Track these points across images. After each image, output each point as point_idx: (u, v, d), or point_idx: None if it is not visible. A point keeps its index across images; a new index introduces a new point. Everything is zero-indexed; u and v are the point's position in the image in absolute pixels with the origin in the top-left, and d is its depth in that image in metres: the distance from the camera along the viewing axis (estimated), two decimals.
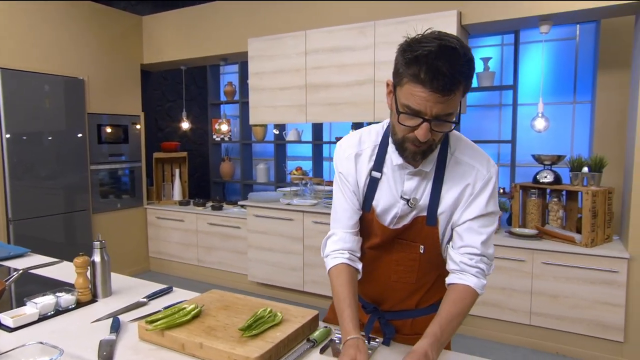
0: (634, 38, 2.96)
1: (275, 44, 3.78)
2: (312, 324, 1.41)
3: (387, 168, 1.22)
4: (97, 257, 1.70)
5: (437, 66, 0.94)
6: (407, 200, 1.19)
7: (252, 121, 4.05)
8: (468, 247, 1.17)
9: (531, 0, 2.92)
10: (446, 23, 3.08)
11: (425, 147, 1.09)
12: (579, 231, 3.04)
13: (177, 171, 4.88)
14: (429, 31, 1.04)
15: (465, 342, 3.17)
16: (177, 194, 4.85)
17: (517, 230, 3.17)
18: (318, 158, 5.10)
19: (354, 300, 1.18)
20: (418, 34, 1.04)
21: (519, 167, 4.19)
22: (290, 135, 5.04)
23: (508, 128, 4.18)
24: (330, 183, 4.45)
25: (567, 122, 4.20)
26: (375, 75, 3.36)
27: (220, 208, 4.40)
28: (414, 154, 1.11)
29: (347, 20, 3.50)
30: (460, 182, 1.17)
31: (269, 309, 1.40)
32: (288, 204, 3.80)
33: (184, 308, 1.42)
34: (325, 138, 5.16)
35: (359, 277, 1.29)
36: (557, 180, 3.13)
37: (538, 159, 3.25)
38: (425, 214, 1.20)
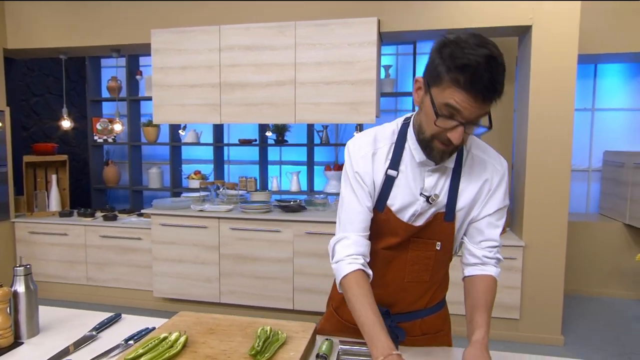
0: (519, 55, 3.42)
1: (185, 38, 3.48)
2: (312, 338, 1.32)
3: (404, 166, 1.21)
4: (20, 287, 1.36)
5: (482, 77, 0.97)
6: (427, 197, 1.19)
7: (156, 120, 3.67)
8: (489, 241, 1.22)
9: (459, 12, 3.19)
10: (366, 29, 3.18)
11: (454, 147, 1.11)
12: None
13: (54, 177, 4.18)
14: (464, 33, 1.04)
15: None
16: (54, 203, 4.15)
17: None
18: (219, 161, 4.85)
19: (378, 311, 1.14)
20: (457, 35, 1.04)
21: None
22: (188, 137, 4.70)
23: None
24: (232, 185, 4.26)
25: None
26: (297, 77, 3.31)
27: (114, 218, 3.89)
28: (442, 153, 1.12)
29: (266, 19, 3.39)
30: (479, 178, 1.21)
31: (268, 328, 1.27)
32: (201, 211, 3.52)
33: (166, 338, 1.21)
34: (227, 140, 4.93)
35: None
36: None
37: None
38: (444, 210, 1.21)
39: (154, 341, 1.19)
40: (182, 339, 1.21)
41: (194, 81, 3.49)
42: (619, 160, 4.12)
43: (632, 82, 4.44)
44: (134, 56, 4.82)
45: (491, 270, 1.23)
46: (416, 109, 1.21)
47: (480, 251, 1.22)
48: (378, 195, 1.23)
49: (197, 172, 4.73)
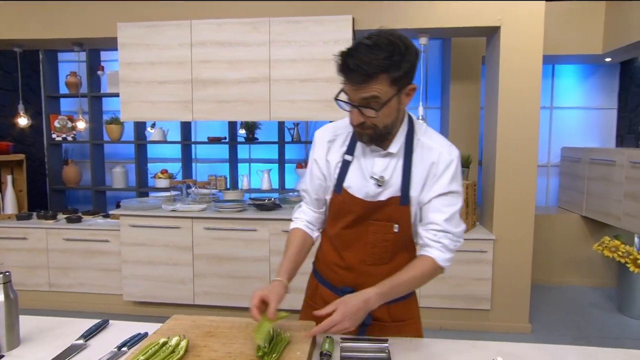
0: (487, 55, 3.54)
1: (153, 32, 3.36)
2: (315, 337, 1.31)
3: (358, 152, 1.34)
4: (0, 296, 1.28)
5: (347, 63, 1.13)
6: (376, 180, 1.29)
7: (124, 118, 3.52)
8: (432, 224, 1.29)
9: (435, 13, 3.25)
10: (341, 27, 3.19)
11: (369, 130, 1.22)
12: None
13: (9, 178, 3.94)
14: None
15: None
16: (10, 206, 3.91)
17: None
18: (187, 159, 4.73)
19: (296, 255, 1.38)
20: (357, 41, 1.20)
21: None
22: (155, 135, 4.56)
23: None
24: (204, 184, 4.17)
25: None
26: (271, 74, 3.28)
27: (78, 220, 3.71)
28: (361, 136, 1.26)
29: (239, 14, 3.33)
30: (426, 163, 1.29)
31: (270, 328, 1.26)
32: (173, 211, 3.42)
33: (166, 343, 1.17)
34: (195, 138, 4.82)
35: (314, 243, 1.47)
36: None
37: None
38: (399, 194, 1.29)
39: (154, 347, 1.15)
40: (184, 343, 1.17)
41: (164, 77, 3.38)
42: (575, 156, 4.35)
43: (586, 82, 4.70)
44: (95, 50, 4.61)
45: (432, 252, 1.29)
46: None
47: (424, 233, 1.31)
48: (336, 178, 1.35)
49: (164, 171, 4.59)
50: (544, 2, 3.09)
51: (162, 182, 4.47)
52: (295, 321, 1.40)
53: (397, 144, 1.29)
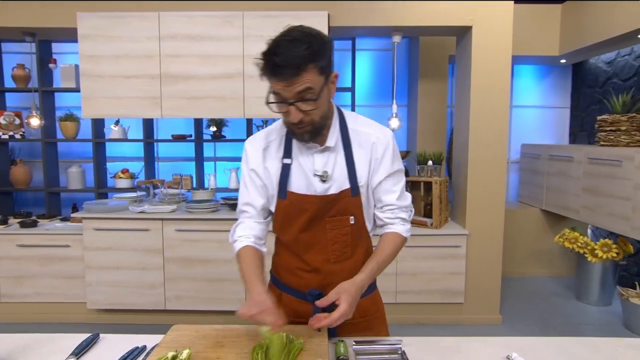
0: (457, 54, 3.62)
1: (118, 24, 3.17)
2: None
3: (295, 153, 1.32)
4: None
5: (272, 62, 1.11)
6: (320, 176, 1.29)
7: (85, 114, 3.30)
8: (387, 205, 1.36)
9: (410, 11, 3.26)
10: (316, 23, 3.13)
11: (309, 126, 1.21)
12: (425, 216, 3.56)
13: None
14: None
15: None
16: None
17: None
18: (150, 158, 4.51)
19: (260, 271, 1.30)
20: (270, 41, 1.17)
21: None
22: (114, 133, 4.31)
23: None
24: (154, 182, 3.98)
25: (385, 123, 4.84)
26: (245, 69, 3.18)
27: (33, 225, 3.45)
28: (302, 135, 1.24)
29: (210, 7, 3.20)
30: (366, 150, 1.32)
31: (282, 335, 1.20)
32: (142, 212, 3.25)
33: (176, 357, 1.09)
34: (157, 135, 4.60)
35: (264, 259, 1.39)
36: (407, 172, 3.59)
37: None
38: (348, 186, 1.30)
39: None
40: (186, 355, 1.10)
41: (131, 72, 3.20)
42: (535, 152, 4.56)
43: (542, 82, 4.94)
44: (46, 42, 4.28)
45: (397, 228, 1.36)
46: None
47: (382, 214, 1.37)
48: (278, 184, 1.33)
49: (124, 171, 4.35)
50: (512, 3, 3.20)
51: (123, 182, 4.24)
52: (301, 325, 1.35)
53: (333, 137, 1.30)
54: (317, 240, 1.34)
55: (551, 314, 3.66)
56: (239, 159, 4.59)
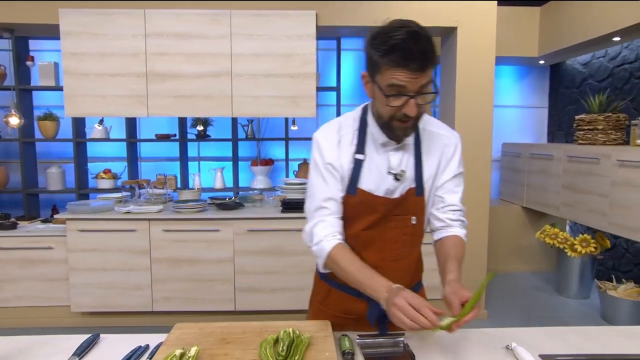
0: (442, 55, 3.69)
1: (102, 21, 3.11)
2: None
3: (369, 149, 1.30)
4: None
5: (411, 50, 1.08)
6: (395, 174, 1.28)
7: (68, 113, 3.23)
8: (450, 206, 1.35)
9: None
10: (305, 22, 3.16)
11: (413, 121, 1.20)
12: None
13: None
14: (388, 21, 1.16)
15: None
16: None
17: None
18: (133, 158, 4.44)
19: (365, 264, 1.24)
20: (380, 26, 1.16)
21: None
22: (95, 132, 4.23)
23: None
24: (140, 182, 3.93)
25: None
26: (233, 68, 3.17)
27: (13, 227, 3.35)
28: (404, 130, 1.22)
29: (198, 5, 3.18)
30: (436, 151, 1.33)
31: (289, 330, 1.21)
32: (128, 213, 3.20)
33: (184, 355, 1.09)
34: (140, 135, 4.53)
35: None
36: None
37: None
38: (414, 185, 1.31)
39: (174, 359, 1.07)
40: (194, 351, 1.10)
41: (116, 70, 3.15)
42: (516, 151, 4.67)
43: (521, 82, 5.07)
44: (22, 38, 4.16)
45: (457, 231, 1.36)
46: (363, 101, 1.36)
47: (444, 215, 1.35)
48: (349, 180, 1.30)
49: (107, 171, 4.27)
50: (496, 4, 3.28)
51: (106, 183, 4.16)
52: (306, 321, 1.36)
53: (411, 135, 1.29)
54: (378, 238, 1.33)
55: (533, 308, 3.76)
56: (223, 159, 4.57)
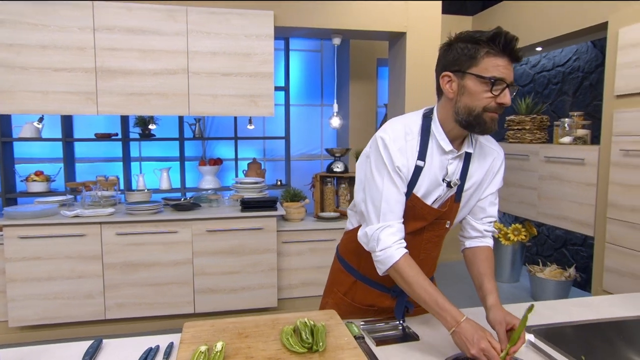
0: (390, 58, 3.88)
1: (43, 11, 2.88)
2: None
3: (429, 156, 1.31)
4: None
5: (511, 39, 1.16)
6: (448, 183, 1.32)
7: (5, 110, 2.95)
8: (490, 217, 1.43)
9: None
10: (263, 22, 3.18)
11: (500, 113, 1.24)
12: None
13: None
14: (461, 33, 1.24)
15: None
16: None
17: (324, 214, 3.64)
18: (70, 159, 4.14)
19: (434, 285, 1.26)
20: (461, 33, 1.23)
21: (275, 161, 4.71)
22: (25, 131, 3.89)
23: (274, 125, 4.60)
24: (86, 184, 3.71)
25: (317, 121, 5.00)
26: (190, 66, 3.10)
27: None
28: (493, 123, 1.23)
29: None
30: (485, 162, 1.39)
31: (305, 320, 1.27)
32: (76, 217, 3.00)
33: (208, 350, 1.10)
34: (79, 134, 4.23)
35: None
36: (346, 169, 3.76)
37: (330, 151, 3.80)
38: (455, 192, 1.35)
39: (201, 357, 1.07)
40: (221, 347, 1.12)
41: (61, 64, 2.94)
42: None
43: None
44: None
45: (489, 241, 1.45)
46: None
47: (482, 225, 1.42)
48: (407, 184, 1.32)
49: (38, 173, 3.95)
50: (441, 12, 3.53)
51: (37, 186, 3.85)
52: (312, 311, 1.41)
53: (468, 143, 1.33)
54: (414, 238, 1.37)
55: (473, 294, 4.09)
56: (169, 159, 4.42)
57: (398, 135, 1.30)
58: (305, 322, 1.24)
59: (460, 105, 1.24)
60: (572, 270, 3.82)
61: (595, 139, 3.52)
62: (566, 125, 3.50)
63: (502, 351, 1.11)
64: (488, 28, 1.21)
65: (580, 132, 3.44)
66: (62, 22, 2.92)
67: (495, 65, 1.16)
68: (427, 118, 1.35)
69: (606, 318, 1.48)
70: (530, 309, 1.16)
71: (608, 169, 2.99)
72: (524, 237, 4.12)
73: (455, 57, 1.21)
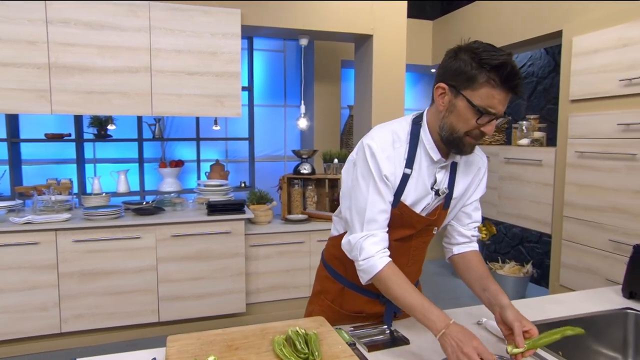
0: (356, 59, 3.90)
1: None
2: None
3: (417, 164, 1.29)
4: None
5: (516, 74, 1.11)
6: (437, 191, 1.32)
7: None
8: (475, 222, 1.44)
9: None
10: (230, 21, 3.10)
11: (480, 139, 1.23)
12: (332, 211, 3.76)
13: None
14: (473, 40, 1.19)
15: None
16: None
17: (292, 216, 3.59)
18: (16, 161, 3.86)
19: (419, 291, 1.25)
20: (469, 44, 1.18)
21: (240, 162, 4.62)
22: None
23: (237, 126, 4.50)
24: (38, 188, 3.47)
25: (280, 122, 4.95)
26: (153, 64, 2.96)
27: None
28: (472, 147, 1.24)
29: None
30: (470, 170, 1.40)
31: (296, 329, 1.23)
32: (28, 223, 2.79)
33: None
34: (25, 134, 3.94)
35: None
36: (313, 170, 3.74)
37: (297, 153, 3.77)
38: (443, 200, 1.35)
39: None
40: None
41: (10, 59, 2.72)
42: None
43: (415, 88, 5.58)
44: None
45: (475, 246, 1.46)
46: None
47: (469, 231, 1.43)
48: (394, 192, 1.29)
49: None
50: (406, 15, 3.58)
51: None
52: (300, 319, 1.38)
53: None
54: (403, 245, 1.37)
55: (439, 292, 4.19)
56: (125, 161, 4.22)
57: (386, 143, 1.27)
58: (297, 331, 1.21)
59: (447, 122, 1.23)
60: (529, 267, 3.99)
61: (550, 141, 3.69)
62: (524, 127, 3.66)
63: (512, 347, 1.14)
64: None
65: (537, 134, 3.60)
66: (9, 12, 2.69)
67: (490, 97, 1.12)
68: (416, 125, 1.32)
69: (578, 314, 1.55)
70: (575, 330, 1.20)
71: (564, 169, 3.15)
72: (484, 236, 4.27)
73: (456, 70, 1.16)
